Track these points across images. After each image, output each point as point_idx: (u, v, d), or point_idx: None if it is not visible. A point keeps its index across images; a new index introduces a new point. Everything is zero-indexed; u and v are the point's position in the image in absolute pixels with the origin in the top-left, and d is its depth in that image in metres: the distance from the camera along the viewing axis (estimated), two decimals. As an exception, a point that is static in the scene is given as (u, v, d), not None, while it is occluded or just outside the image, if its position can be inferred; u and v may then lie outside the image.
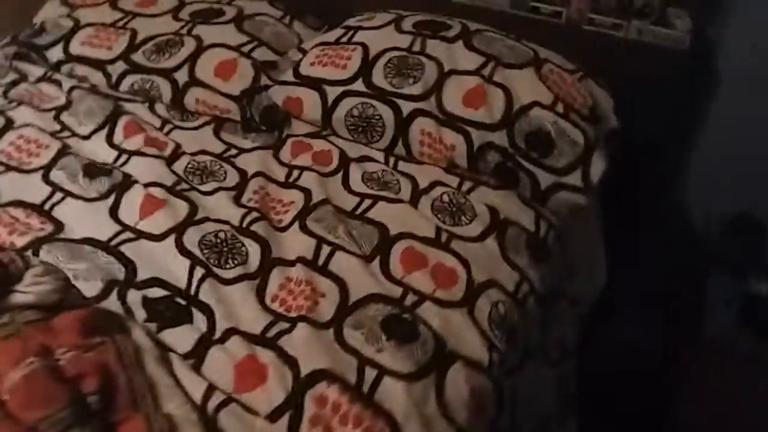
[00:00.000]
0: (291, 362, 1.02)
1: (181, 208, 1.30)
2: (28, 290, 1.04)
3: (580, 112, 1.46)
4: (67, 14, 1.77)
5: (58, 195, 1.32)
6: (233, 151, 1.51)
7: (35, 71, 1.70)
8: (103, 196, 1.32)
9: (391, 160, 1.51)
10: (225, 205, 1.33)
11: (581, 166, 1.38)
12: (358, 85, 1.51)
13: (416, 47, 1.54)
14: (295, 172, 1.45)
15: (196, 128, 1.57)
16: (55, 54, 1.69)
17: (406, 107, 1.47)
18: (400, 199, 1.38)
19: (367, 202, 1.37)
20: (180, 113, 1.61)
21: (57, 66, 1.69)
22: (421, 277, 1.19)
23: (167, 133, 1.54)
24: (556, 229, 1.40)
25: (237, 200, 1.36)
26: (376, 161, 1.50)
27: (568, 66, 1.56)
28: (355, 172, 1.45)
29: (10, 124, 1.50)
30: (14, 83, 1.66)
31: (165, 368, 0.98)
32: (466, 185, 1.43)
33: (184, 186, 1.37)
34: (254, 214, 1.31)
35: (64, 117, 1.55)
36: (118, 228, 1.25)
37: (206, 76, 1.60)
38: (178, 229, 1.25)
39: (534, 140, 1.41)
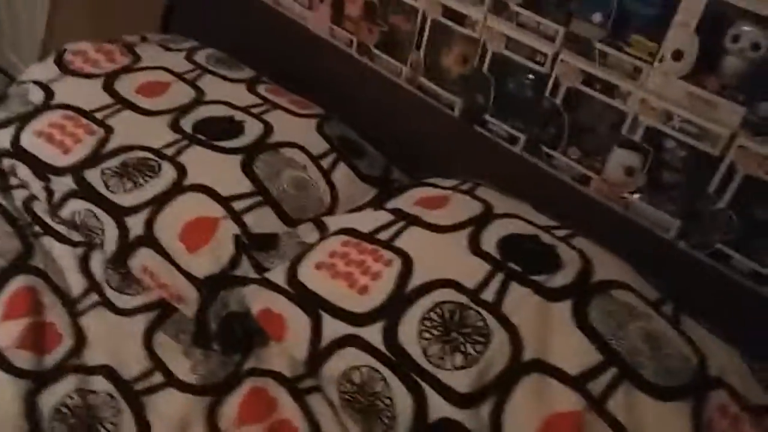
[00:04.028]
0: None
1: None
2: None
3: None
4: (49, 80, 1.29)
5: None
6: (156, 379, 0.94)
7: (-27, 155, 1.24)
8: None
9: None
10: None
11: None
12: (373, 334, 0.89)
13: (488, 294, 0.89)
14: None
15: (127, 313, 1.02)
16: (2, 139, 1.20)
17: (436, 405, 0.83)
18: None
19: None
20: (120, 278, 1.06)
21: (-1, 157, 1.22)
22: None
23: (78, 315, 0.99)
24: None
25: None
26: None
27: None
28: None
29: None
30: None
31: None
32: None
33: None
34: None
35: (-42, 247, 1.07)
36: None
37: (167, 236, 1.03)
38: None
39: None
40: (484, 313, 0.86)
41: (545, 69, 1.09)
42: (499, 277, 0.90)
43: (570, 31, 1.05)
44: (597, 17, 1.01)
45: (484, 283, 0.90)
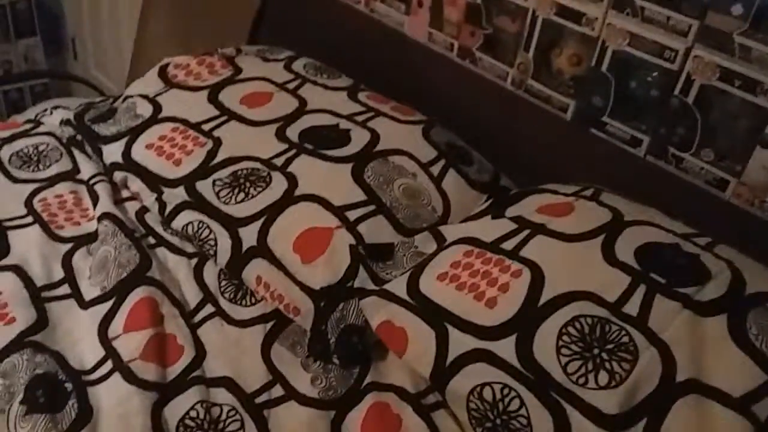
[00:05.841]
0: None
1: None
2: None
3: None
4: (155, 94, 1.31)
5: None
6: (276, 392, 0.92)
7: (88, 168, 1.25)
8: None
9: None
10: None
11: None
12: (505, 349, 0.84)
13: (631, 307, 0.82)
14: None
15: (243, 324, 1.01)
16: (113, 153, 1.22)
17: (580, 427, 0.77)
18: None
19: None
20: (234, 289, 1.05)
21: (110, 169, 1.23)
22: None
23: (196, 326, 0.99)
24: None
25: None
26: None
27: None
28: None
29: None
30: (56, 179, 1.23)
31: None
32: None
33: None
34: None
35: (78, 258, 1.07)
36: None
37: (281, 247, 1.02)
38: None
39: None
40: (628, 328, 0.80)
41: (675, 66, 1.02)
42: (641, 290, 0.83)
43: (705, 24, 0.98)
44: (737, 9, 0.94)
45: (626, 296, 0.83)
